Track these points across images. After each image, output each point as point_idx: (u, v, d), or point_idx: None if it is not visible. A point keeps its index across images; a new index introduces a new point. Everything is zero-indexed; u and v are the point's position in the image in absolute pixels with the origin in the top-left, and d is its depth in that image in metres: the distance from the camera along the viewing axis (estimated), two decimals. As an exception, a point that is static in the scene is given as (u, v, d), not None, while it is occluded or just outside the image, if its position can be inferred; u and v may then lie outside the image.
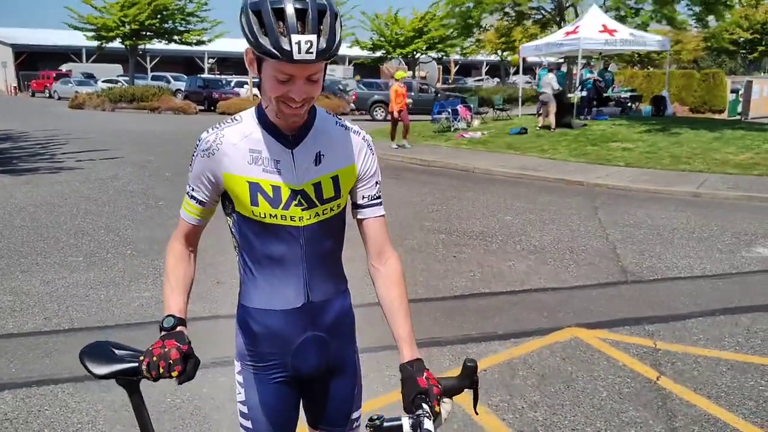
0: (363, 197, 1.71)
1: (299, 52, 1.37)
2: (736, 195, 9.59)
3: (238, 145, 1.58)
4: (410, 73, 45.24)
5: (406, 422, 1.42)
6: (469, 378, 1.53)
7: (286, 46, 1.37)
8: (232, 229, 1.69)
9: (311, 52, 1.38)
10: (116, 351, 1.61)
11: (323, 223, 1.65)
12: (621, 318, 4.83)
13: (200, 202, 1.66)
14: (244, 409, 1.76)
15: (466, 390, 1.57)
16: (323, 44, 1.40)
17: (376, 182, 1.73)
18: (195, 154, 1.61)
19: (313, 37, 1.38)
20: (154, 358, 1.47)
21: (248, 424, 1.76)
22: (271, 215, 1.59)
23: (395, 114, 14.93)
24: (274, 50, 1.38)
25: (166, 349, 1.48)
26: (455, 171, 12.60)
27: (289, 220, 1.60)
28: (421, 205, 9.02)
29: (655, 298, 5.30)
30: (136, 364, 1.51)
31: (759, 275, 5.92)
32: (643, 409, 3.49)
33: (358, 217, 1.74)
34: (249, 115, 1.62)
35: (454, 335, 4.47)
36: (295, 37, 1.37)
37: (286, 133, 1.59)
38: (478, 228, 7.63)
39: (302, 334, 1.69)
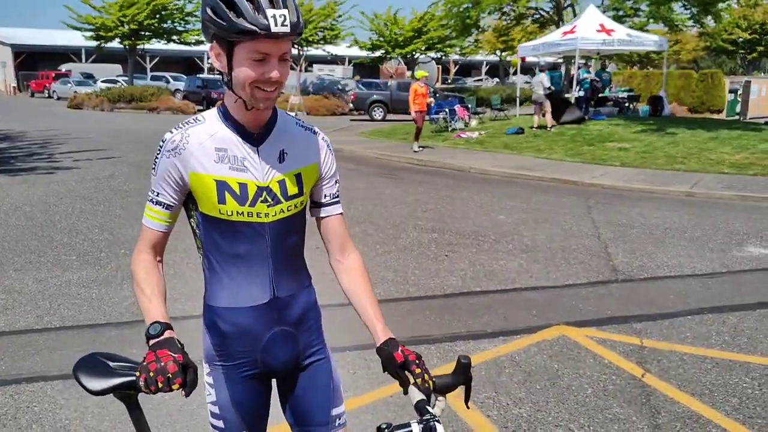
0: (325, 196, 1.77)
1: (276, 25, 1.44)
2: (731, 195, 9.62)
3: (204, 144, 1.60)
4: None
5: (416, 428, 1.40)
6: (463, 374, 1.54)
7: (264, 21, 1.43)
8: (196, 230, 1.71)
9: (286, 25, 1.45)
10: (111, 363, 1.57)
11: (287, 220, 1.69)
12: (609, 316, 4.86)
13: (167, 207, 1.65)
14: (215, 410, 1.76)
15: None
16: (294, 18, 1.47)
17: (336, 181, 1.78)
18: (159, 155, 1.61)
19: (285, 11, 1.46)
20: (151, 374, 1.39)
21: (220, 423, 1.76)
22: (238, 212, 1.62)
23: (412, 114, 14.46)
24: (252, 26, 1.44)
25: (162, 363, 1.40)
26: (451, 171, 12.63)
27: (255, 217, 1.63)
28: (415, 204, 9.05)
29: (644, 296, 5.34)
30: (133, 378, 1.44)
31: (749, 274, 5.95)
32: (627, 406, 3.52)
33: (320, 215, 1.78)
34: (212, 115, 1.65)
35: (442, 333, 4.50)
36: (269, 12, 1.44)
37: (252, 131, 1.63)
38: (471, 227, 7.66)
39: (270, 330, 1.72)
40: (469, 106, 21.08)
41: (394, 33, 37.94)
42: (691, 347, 4.31)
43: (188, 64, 53.98)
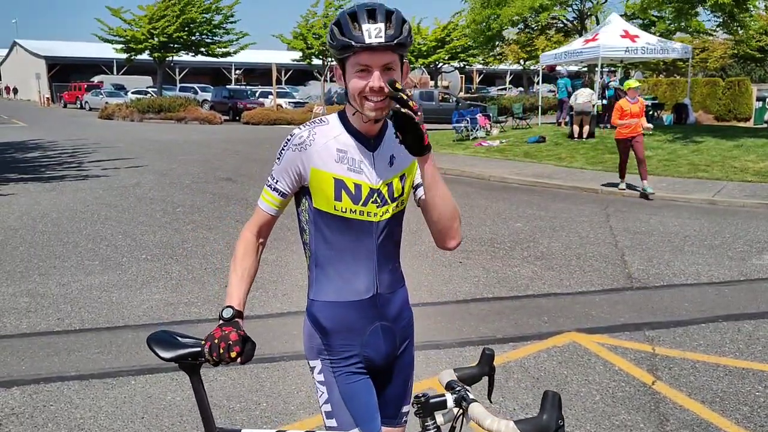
0: None
1: (370, 37, 1.59)
2: (753, 203, 9.45)
3: (328, 144, 1.74)
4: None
5: (449, 397, 1.51)
6: (487, 365, 1.63)
7: (358, 33, 1.60)
8: (306, 226, 1.81)
9: (380, 36, 1.59)
10: (179, 338, 1.74)
11: (392, 219, 1.82)
12: (621, 323, 4.83)
13: (282, 194, 1.78)
14: (328, 408, 1.80)
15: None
16: (391, 31, 1.60)
17: None
18: (286, 147, 1.75)
19: (382, 25, 1.60)
20: (216, 340, 1.60)
21: (332, 422, 1.80)
22: (351, 210, 1.75)
23: (622, 138, 10.10)
24: (349, 40, 1.61)
25: (225, 332, 1.61)
26: (470, 179, 12.64)
27: (366, 216, 1.77)
28: (433, 212, 9.06)
29: (658, 304, 5.29)
30: (198, 349, 1.65)
31: (767, 283, 5.85)
32: (635, 413, 3.51)
33: (422, 196, 1.84)
34: (334, 119, 1.79)
35: (452, 339, 4.52)
36: (365, 26, 1.60)
37: (368, 137, 1.77)
38: (488, 234, 7.66)
39: (371, 325, 1.82)
40: (491, 114, 21.05)
41: (418, 43, 38.10)
42: (704, 355, 4.27)
43: (216, 75, 54.90)
